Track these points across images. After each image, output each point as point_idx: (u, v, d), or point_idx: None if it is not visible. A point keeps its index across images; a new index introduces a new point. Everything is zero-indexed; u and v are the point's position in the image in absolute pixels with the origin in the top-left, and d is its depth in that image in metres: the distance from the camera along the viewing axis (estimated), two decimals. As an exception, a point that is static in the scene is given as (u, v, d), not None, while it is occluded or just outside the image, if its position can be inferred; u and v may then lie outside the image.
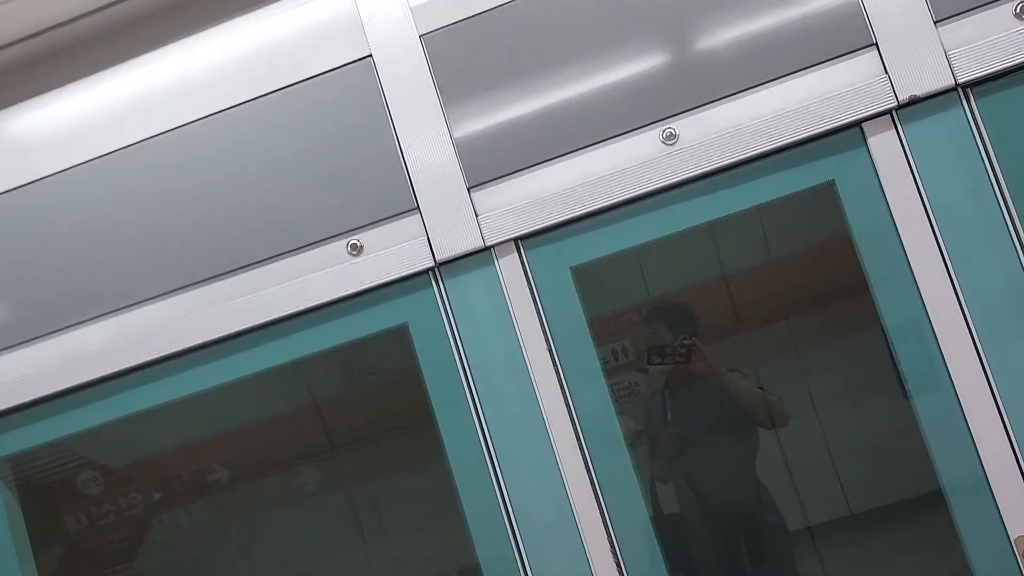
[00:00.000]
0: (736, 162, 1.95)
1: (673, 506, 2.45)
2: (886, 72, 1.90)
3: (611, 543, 1.97)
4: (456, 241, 2.03)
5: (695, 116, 1.98)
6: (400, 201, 2.06)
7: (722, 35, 1.98)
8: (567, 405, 2.00)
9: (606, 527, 1.97)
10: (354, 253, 2.07)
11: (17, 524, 2.24)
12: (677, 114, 1.98)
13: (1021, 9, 1.87)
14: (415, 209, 2.05)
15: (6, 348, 2.18)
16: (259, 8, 2.16)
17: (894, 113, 1.91)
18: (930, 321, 1.87)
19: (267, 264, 2.10)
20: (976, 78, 1.87)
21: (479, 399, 2.03)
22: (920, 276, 1.88)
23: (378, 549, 3.07)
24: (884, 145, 1.91)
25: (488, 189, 2.04)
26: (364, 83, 2.08)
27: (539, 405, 2.00)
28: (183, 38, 2.18)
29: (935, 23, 1.89)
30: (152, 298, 2.14)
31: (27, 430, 2.18)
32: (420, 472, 2.46)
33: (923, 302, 1.87)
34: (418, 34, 2.07)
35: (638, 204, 2.00)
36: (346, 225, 2.08)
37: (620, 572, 1.96)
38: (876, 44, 1.91)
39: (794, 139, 1.92)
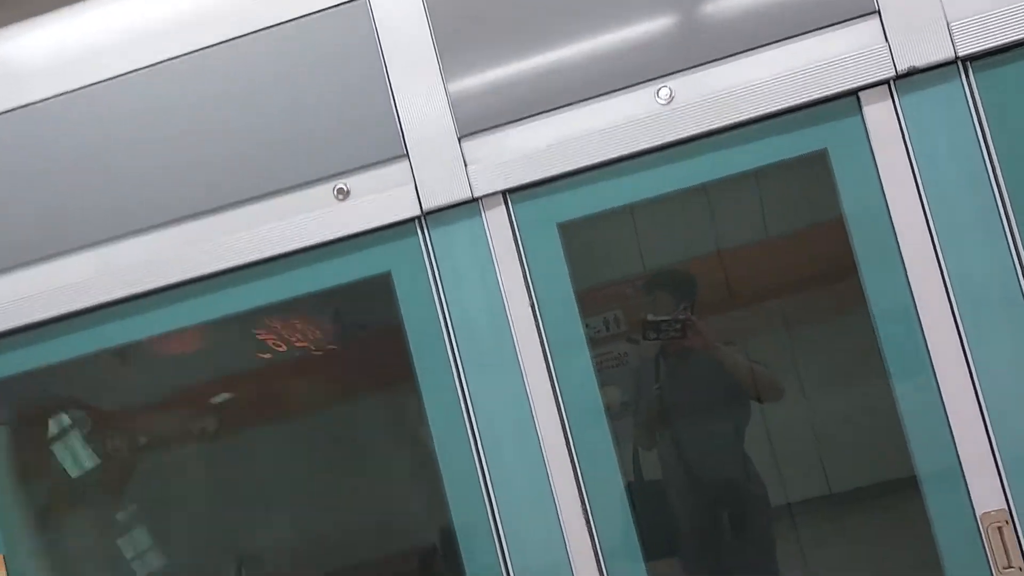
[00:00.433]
0: (730, 125, 1.93)
1: (655, 473, 2.45)
2: (886, 40, 1.88)
3: (583, 504, 1.97)
4: (444, 191, 2.01)
5: (692, 76, 1.95)
6: (389, 147, 2.04)
7: (723, -4, 1.96)
8: (547, 362, 1.99)
9: (579, 485, 1.97)
10: (340, 197, 2.06)
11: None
12: (674, 73, 1.96)
13: (1028, -17, 1.84)
14: (404, 156, 2.03)
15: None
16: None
17: (891, 83, 1.88)
18: (915, 302, 1.85)
19: (252, 204, 2.09)
20: (977, 52, 1.84)
21: (459, 352, 2.02)
22: (907, 253, 1.86)
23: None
24: (880, 115, 1.89)
25: (479, 140, 2.02)
26: (359, 25, 2.05)
27: (519, 361, 1.99)
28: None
29: None
30: (134, 232, 2.13)
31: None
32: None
33: (909, 282, 1.86)
34: None
35: (629, 163, 1.98)
36: (333, 169, 2.06)
37: (590, 530, 1.96)
38: (878, 11, 1.89)
39: (790, 104, 1.90)
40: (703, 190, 2.09)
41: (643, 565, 1.97)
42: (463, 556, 2.02)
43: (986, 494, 1.79)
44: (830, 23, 1.91)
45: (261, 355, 2.57)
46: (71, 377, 2.39)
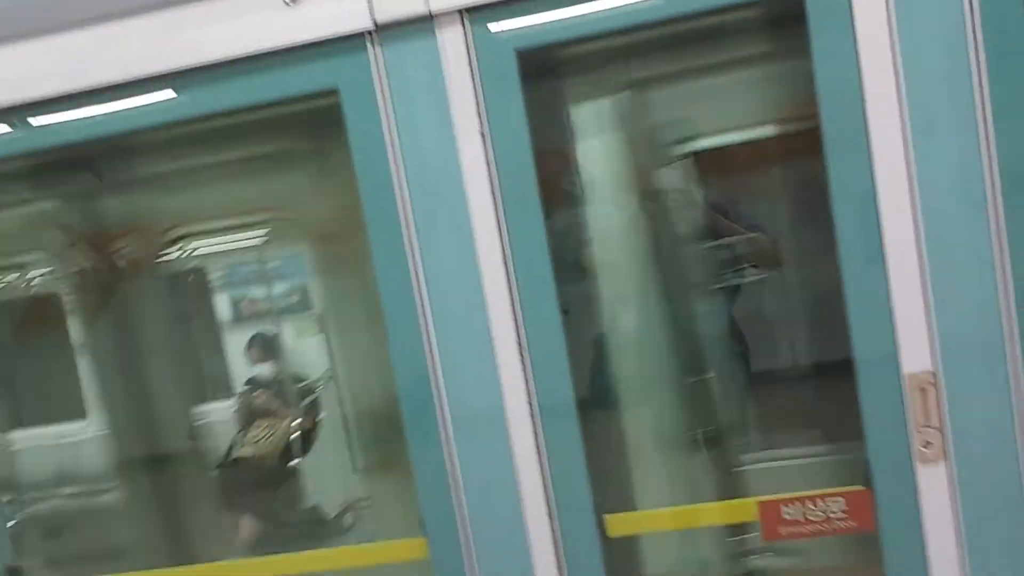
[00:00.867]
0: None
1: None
2: None
3: (521, 354, 1.97)
4: (398, 2, 1.88)
5: None
6: (343, -49, 1.89)
7: None
8: (493, 192, 1.93)
9: (516, 327, 1.96)
10: (289, 2, 1.93)
11: None
12: None
13: None
14: (357, -40, 1.89)
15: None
16: None
17: None
18: (875, 189, 1.78)
19: (194, 4, 1.95)
20: None
21: (407, 179, 1.95)
22: (875, 138, 1.77)
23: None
24: None
25: (439, -50, 1.87)
26: None
27: (463, 190, 1.93)
28: None
29: None
30: (76, 24, 1.99)
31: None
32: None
33: (872, 171, 1.78)
34: None
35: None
36: (282, -29, 1.92)
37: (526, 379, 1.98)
38: None
39: None
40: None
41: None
42: (403, 405, 2.03)
43: (915, 356, 1.80)
44: None
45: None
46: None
